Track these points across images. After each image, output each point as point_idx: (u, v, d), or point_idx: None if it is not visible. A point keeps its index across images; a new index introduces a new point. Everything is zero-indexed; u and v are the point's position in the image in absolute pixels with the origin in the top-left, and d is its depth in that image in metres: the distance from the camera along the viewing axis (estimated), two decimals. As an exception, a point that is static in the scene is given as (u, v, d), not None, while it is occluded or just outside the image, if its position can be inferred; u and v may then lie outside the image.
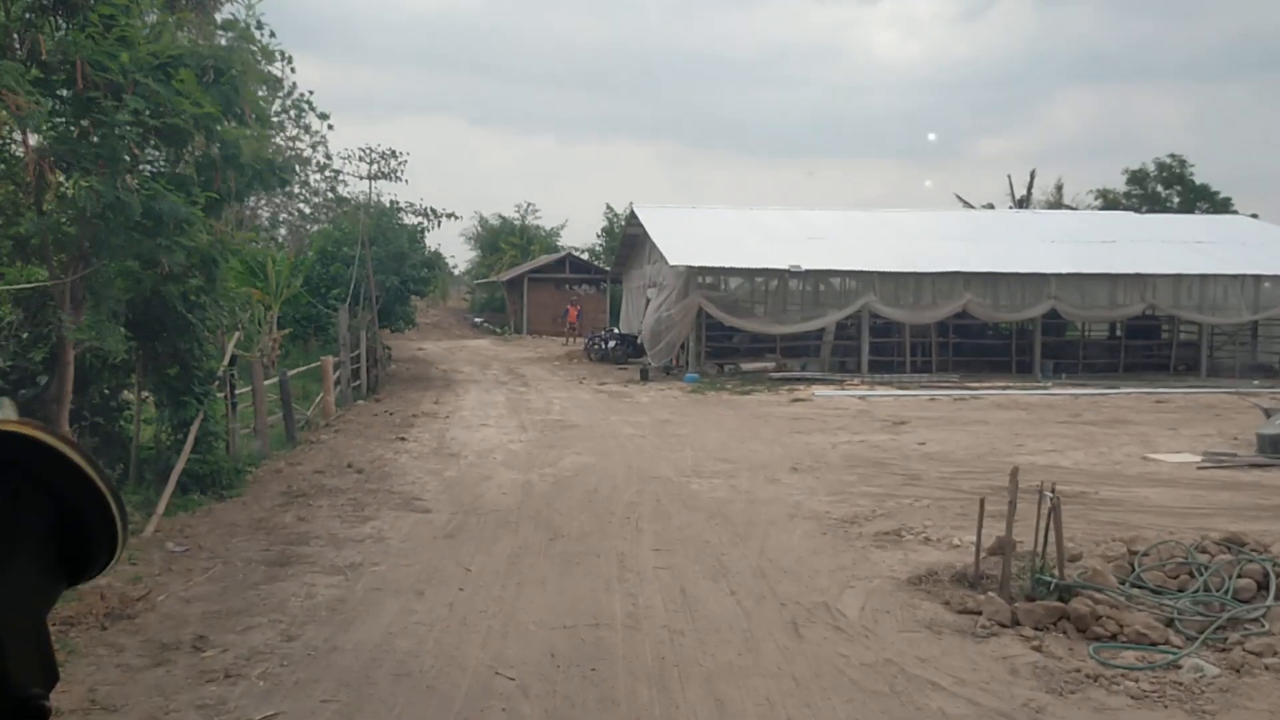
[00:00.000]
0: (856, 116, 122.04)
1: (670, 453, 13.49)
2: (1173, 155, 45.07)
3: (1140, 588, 7.07)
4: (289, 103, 23.83)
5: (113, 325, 8.25)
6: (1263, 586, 6.84)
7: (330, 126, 39.10)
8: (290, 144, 24.59)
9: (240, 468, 11.25)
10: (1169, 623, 6.41)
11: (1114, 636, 6.19)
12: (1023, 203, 46.18)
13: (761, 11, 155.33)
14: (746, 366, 25.33)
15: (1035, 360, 26.63)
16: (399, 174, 28.05)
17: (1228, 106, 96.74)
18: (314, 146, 28.54)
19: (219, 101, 7.89)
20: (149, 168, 8.57)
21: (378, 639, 6.08)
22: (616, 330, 33.07)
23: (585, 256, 48.56)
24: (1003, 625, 6.36)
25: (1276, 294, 26.62)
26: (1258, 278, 26.41)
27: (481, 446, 13.90)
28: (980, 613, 6.52)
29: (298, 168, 26.90)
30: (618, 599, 6.95)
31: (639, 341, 28.67)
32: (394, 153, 27.39)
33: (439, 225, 27.58)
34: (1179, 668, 5.71)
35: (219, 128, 8.31)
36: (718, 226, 28.46)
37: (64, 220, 8.00)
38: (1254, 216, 36.24)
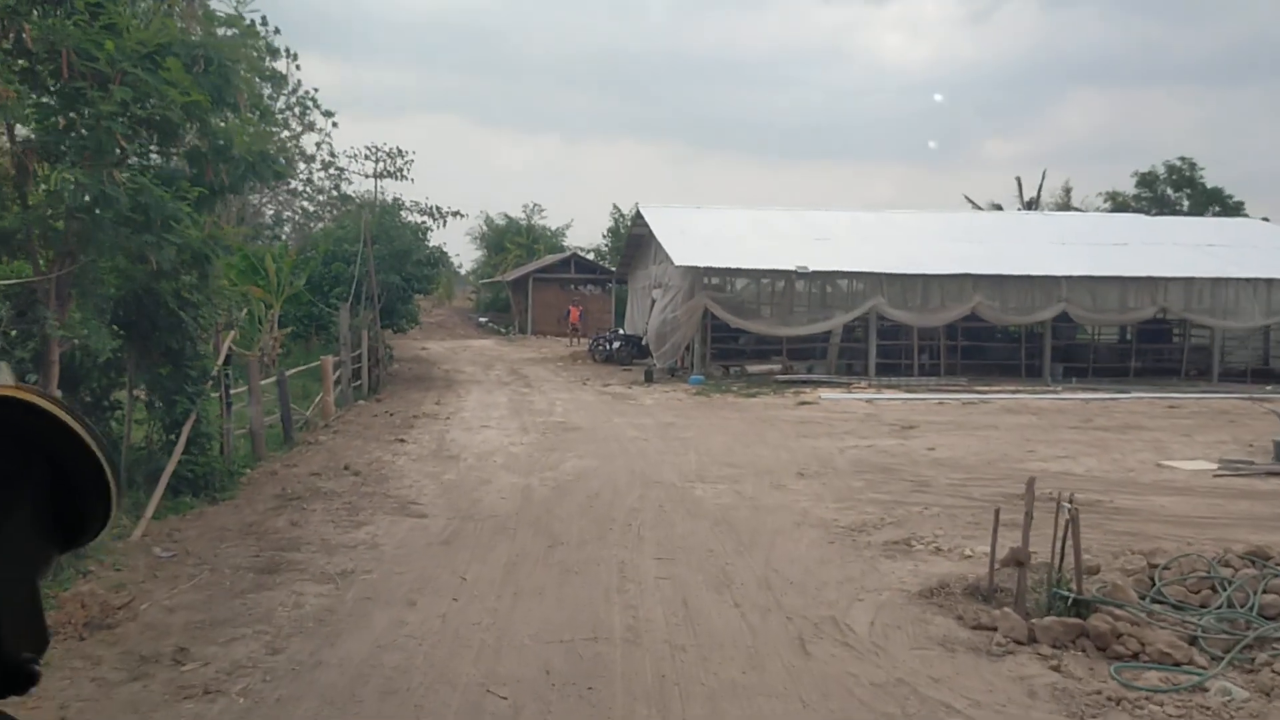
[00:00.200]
0: (863, 118, 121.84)
1: (674, 457, 13.22)
2: (1182, 158, 44.63)
3: (1161, 603, 6.78)
4: (293, 99, 23.69)
5: (99, 323, 8.01)
6: (1290, 603, 6.55)
7: (335, 124, 39.03)
8: (294, 138, 24.38)
9: (234, 470, 11.01)
10: (1192, 641, 6.12)
11: (1135, 655, 5.90)
12: (1031, 205, 45.79)
13: (769, 13, 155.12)
14: (752, 369, 24.98)
15: (1045, 364, 26.28)
16: (405, 173, 27.95)
17: (1238, 110, 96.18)
18: (319, 145, 28.41)
19: (209, 91, 7.63)
20: (138, 160, 8.32)
21: (366, 653, 5.82)
22: (621, 331, 32.77)
23: (591, 256, 48.26)
24: (1019, 643, 6.08)
25: (1290, 298, 26.25)
26: (1270, 281, 26.01)
27: (482, 449, 13.66)
28: (995, 629, 6.25)
29: (301, 164, 26.73)
30: (617, 611, 6.69)
31: (644, 343, 28.39)
32: (400, 151, 27.27)
33: (444, 224, 27.40)
34: (1205, 690, 5.43)
35: (209, 119, 8.06)
36: (724, 227, 28.14)
37: (50, 215, 7.76)
38: (1265, 220, 35.89)
